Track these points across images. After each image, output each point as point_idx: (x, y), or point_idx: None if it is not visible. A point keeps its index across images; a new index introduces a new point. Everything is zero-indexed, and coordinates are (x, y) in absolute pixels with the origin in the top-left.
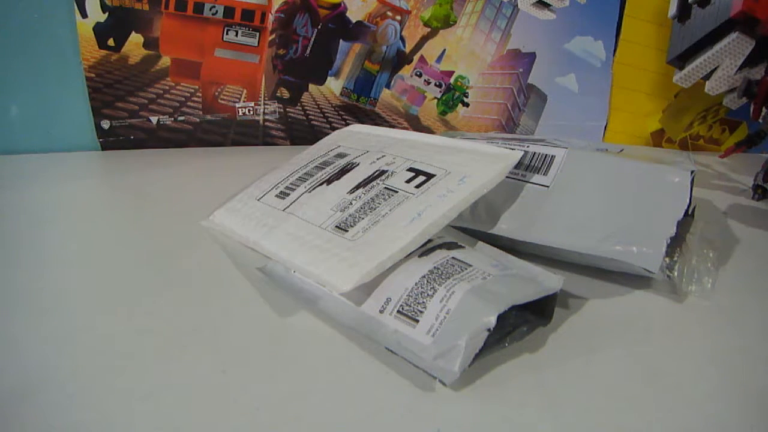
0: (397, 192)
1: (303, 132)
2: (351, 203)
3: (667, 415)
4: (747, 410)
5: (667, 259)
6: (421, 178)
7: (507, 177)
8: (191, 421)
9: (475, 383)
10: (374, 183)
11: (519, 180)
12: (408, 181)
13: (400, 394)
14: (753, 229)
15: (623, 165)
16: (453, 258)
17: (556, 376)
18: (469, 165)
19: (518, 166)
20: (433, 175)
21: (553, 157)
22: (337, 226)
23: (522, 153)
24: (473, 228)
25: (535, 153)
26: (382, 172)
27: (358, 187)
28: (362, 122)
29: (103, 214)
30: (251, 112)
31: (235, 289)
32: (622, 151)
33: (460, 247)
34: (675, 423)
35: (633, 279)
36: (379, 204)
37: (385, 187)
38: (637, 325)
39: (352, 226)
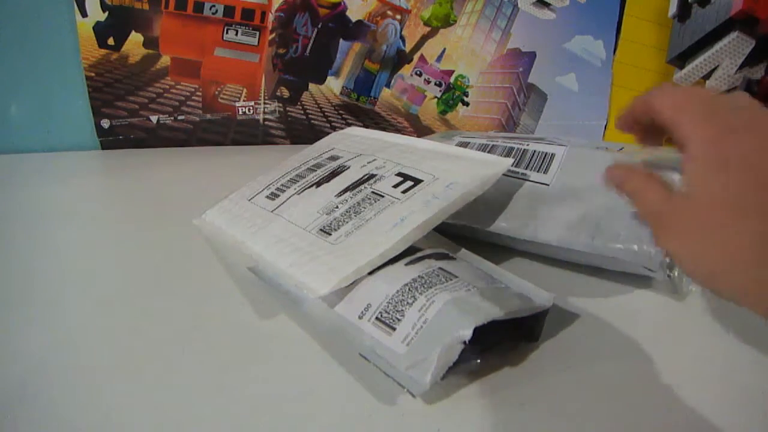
0: (383, 197)
1: (303, 131)
2: (337, 207)
3: (666, 415)
4: (747, 410)
5: (667, 258)
6: (409, 183)
7: (507, 175)
8: (190, 420)
9: (452, 396)
10: (362, 187)
11: (519, 178)
12: (395, 186)
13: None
14: None
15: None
16: (440, 268)
17: (553, 378)
18: (458, 171)
19: (518, 164)
20: (421, 181)
21: (553, 155)
22: (321, 229)
23: (512, 161)
24: (473, 225)
25: (535, 151)
26: (371, 176)
27: (346, 190)
28: (362, 121)
29: (102, 213)
30: (251, 111)
31: (229, 289)
32: (622, 149)
33: (450, 258)
34: (675, 423)
35: (633, 279)
36: (365, 208)
37: (372, 192)
38: (636, 324)
39: (335, 230)
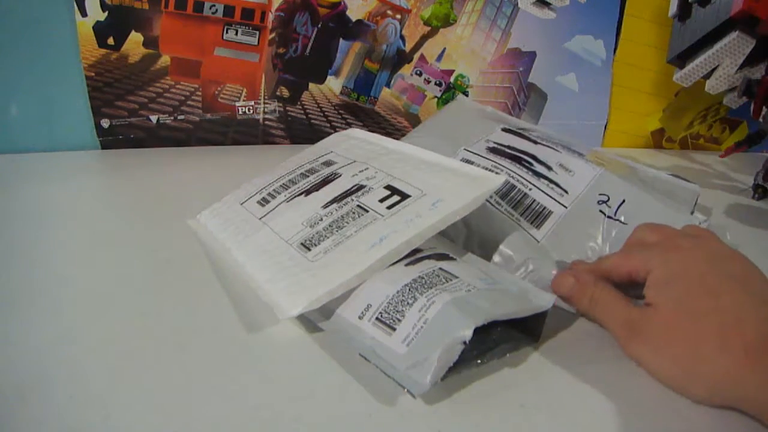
0: (367, 212)
1: (303, 131)
2: (321, 219)
3: (666, 415)
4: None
5: None
6: (395, 198)
7: (504, 215)
8: (189, 420)
9: (452, 397)
10: (348, 199)
11: (515, 222)
12: (381, 200)
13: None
14: (753, 228)
15: (620, 232)
16: (440, 269)
17: (553, 378)
18: (447, 188)
19: (516, 207)
20: (408, 196)
21: (551, 212)
22: (301, 244)
23: (505, 178)
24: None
25: (534, 200)
26: (360, 188)
27: (332, 201)
28: (362, 121)
29: (102, 213)
30: (251, 111)
31: (229, 289)
32: (623, 202)
33: (451, 258)
34: (675, 423)
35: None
36: (347, 224)
37: (358, 205)
38: None
39: (315, 245)
